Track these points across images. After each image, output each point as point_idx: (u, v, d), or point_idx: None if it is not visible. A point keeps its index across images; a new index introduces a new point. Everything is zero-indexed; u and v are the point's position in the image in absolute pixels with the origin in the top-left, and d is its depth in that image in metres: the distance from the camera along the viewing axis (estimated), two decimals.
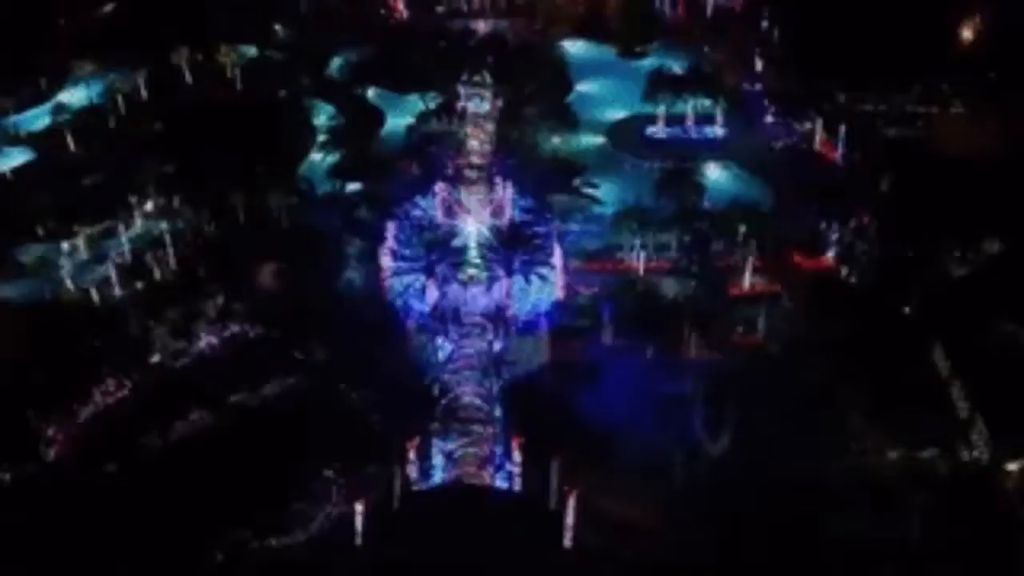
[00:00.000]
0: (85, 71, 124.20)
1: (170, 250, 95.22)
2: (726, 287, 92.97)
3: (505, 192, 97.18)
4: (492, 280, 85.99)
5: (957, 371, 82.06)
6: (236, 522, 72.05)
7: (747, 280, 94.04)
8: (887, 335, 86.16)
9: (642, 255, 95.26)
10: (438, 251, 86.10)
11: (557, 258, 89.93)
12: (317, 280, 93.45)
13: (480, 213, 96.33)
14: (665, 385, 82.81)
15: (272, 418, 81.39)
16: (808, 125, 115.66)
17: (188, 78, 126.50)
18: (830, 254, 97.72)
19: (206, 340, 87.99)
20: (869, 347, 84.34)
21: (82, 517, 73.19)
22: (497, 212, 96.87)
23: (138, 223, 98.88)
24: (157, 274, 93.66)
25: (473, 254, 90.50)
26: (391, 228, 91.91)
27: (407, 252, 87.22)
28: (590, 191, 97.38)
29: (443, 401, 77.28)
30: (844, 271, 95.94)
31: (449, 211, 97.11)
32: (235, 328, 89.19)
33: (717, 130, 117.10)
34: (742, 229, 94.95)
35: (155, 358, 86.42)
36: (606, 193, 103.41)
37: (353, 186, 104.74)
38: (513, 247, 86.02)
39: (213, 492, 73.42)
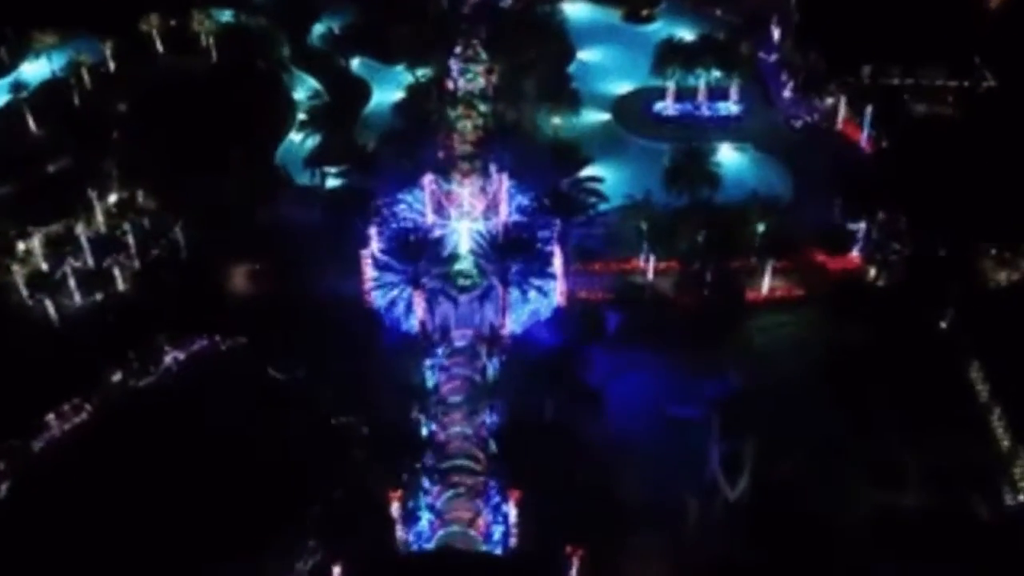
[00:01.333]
0: (46, 42, 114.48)
1: (134, 253, 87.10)
2: (743, 292, 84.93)
3: (501, 185, 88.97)
4: (486, 292, 77.87)
5: (998, 395, 74.38)
6: None
7: (766, 284, 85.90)
8: (918, 349, 78.57)
9: (651, 256, 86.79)
10: (426, 259, 77.68)
11: (558, 262, 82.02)
12: (295, 286, 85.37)
13: (473, 210, 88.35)
14: (677, 410, 75.39)
15: (244, 448, 73.69)
16: (830, 101, 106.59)
17: (159, 47, 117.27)
18: (856, 252, 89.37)
19: (172, 355, 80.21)
20: (898, 363, 77.04)
21: (34, 566, 66.68)
22: (492, 208, 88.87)
23: (100, 221, 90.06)
24: (120, 281, 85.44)
25: (465, 263, 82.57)
26: (374, 229, 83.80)
27: (391, 260, 78.82)
28: (594, 186, 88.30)
29: (431, 446, 69.73)
30: (871, 272, 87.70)
31: (439, 207, 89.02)
32: (204, 341, 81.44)
33: (731, 106, 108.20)
34: (760, 228, 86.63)
35: (116, 377, 78.68)
36: (611, 183, 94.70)
37: (334, 174, 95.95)
38: (510, 254, 77.57)
39: (176, 540, 66.58)
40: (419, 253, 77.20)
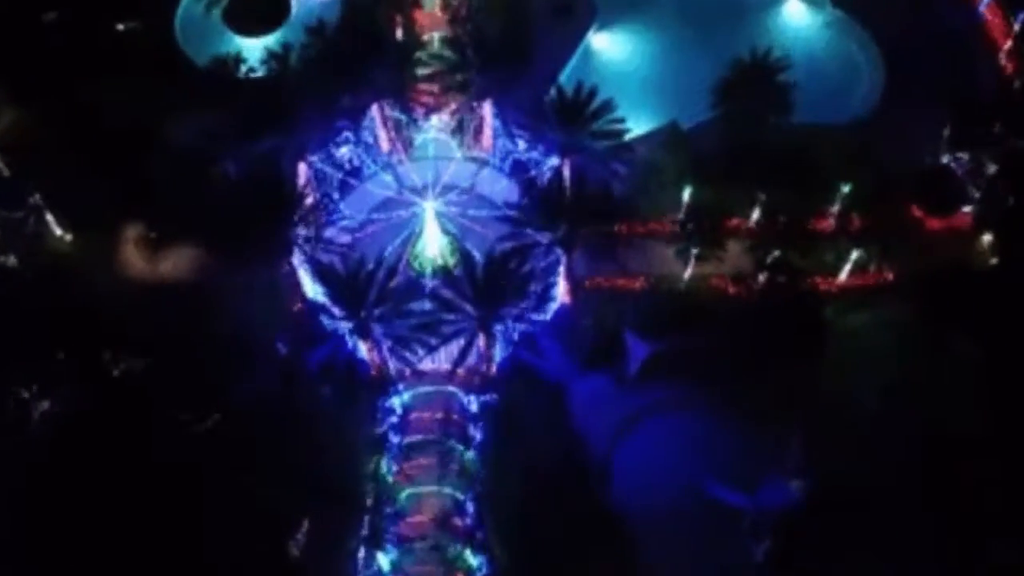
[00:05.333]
0: None
1: None
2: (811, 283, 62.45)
3: (484, 121, 63.99)
4: (465, 348, 55.35)
5: None
6: None
7: (846, 267, 62.86)
8: None
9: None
10: (375, 289, 54.51)
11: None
12: (207, 271, 63.19)
13: (444, 165, 64.22)
14: (717, 490, 56.35)
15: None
16: None
17: None
18: (968, 208, 65.28)
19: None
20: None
21: None
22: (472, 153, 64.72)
23: None
24: None
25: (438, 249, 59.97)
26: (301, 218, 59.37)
27: (327, 300, 55.61)
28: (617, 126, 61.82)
29: None
30: (984, 242, 64.28)
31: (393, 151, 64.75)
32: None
33: None
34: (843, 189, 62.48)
35: None
36: (634, 73, 70.46)
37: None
38: (496, 297, 54.40)
39: None
40: (363, 293, 53.81)
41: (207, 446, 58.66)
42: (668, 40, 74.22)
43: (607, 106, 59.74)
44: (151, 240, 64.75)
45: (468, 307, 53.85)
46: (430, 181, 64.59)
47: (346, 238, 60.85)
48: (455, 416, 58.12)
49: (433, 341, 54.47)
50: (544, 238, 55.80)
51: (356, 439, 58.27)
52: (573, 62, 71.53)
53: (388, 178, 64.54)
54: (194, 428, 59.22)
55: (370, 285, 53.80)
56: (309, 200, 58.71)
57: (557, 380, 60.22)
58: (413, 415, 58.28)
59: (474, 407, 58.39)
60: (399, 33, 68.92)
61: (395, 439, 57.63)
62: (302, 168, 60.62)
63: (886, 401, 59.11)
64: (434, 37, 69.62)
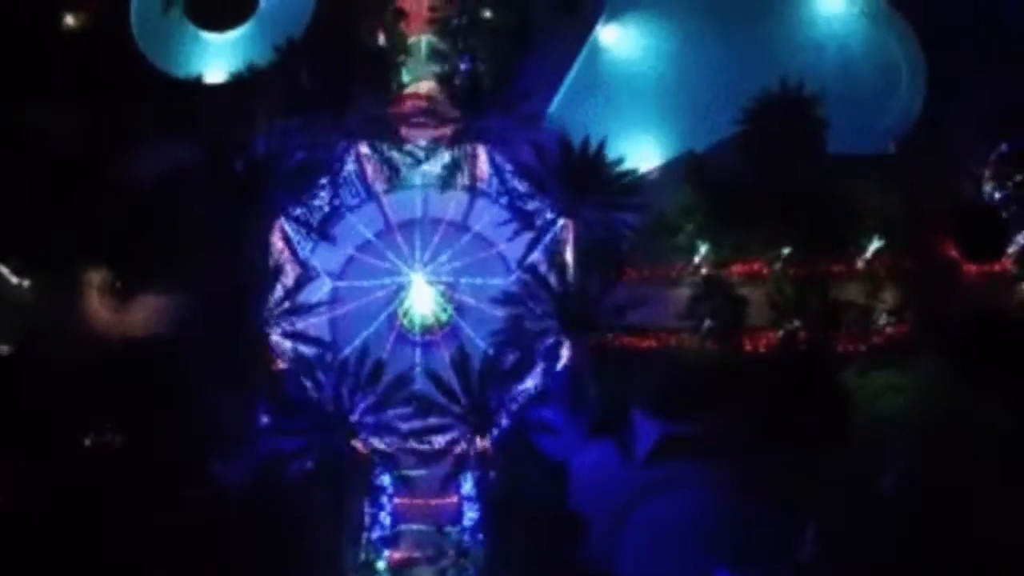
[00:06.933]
0: None
1: None
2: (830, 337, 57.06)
3: (478, 165, 57.71)
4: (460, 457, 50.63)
5: None
6: None
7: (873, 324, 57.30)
8: None
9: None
10: (360, 399, 49.51)
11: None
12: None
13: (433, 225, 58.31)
14: None
15: None
16: None
17: None
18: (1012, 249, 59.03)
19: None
20: None
21: None
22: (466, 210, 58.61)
23: None
24: None
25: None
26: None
27: (303, 385, 50.59)
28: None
29: None
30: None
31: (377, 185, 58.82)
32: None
33: None
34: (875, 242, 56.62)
35: None
36: (644, 98, 63.23)
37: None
38: (494, 396, 49.49)
39: None
40: (347, 405, 48.51)
41: (184, 525, 55.48)
42: (684, 33, 66.10)
43: (617, 165, 52.70)
44: (116, 289, 59.35)
45: (462, 417, 48.99)
46: (418, 216, 59.22)
47: (323, 314, 55.36)
48: (450, 498, 54.34)
49: (425, 449, 50.06)
50: (546, 331, 50.38)
51: (344, 523, 54.86)
52: (579, 64, 64.08)
53: (369, 233, 58.80)
54: (171, 507, 55.73)
55: (354, 392, 48.68)
56: (284, 276, 52.92)
57: (558, 453, 56.21)
58: (405, 498, 54.45)
59: (469, 487, 54.65)
60: (381, 39, 60.89)
61: (386, 524, 54.07)
62: (276, 235, 54.58)
63: (910, 479, 55.24)
64: (420, 42, 62.05)
